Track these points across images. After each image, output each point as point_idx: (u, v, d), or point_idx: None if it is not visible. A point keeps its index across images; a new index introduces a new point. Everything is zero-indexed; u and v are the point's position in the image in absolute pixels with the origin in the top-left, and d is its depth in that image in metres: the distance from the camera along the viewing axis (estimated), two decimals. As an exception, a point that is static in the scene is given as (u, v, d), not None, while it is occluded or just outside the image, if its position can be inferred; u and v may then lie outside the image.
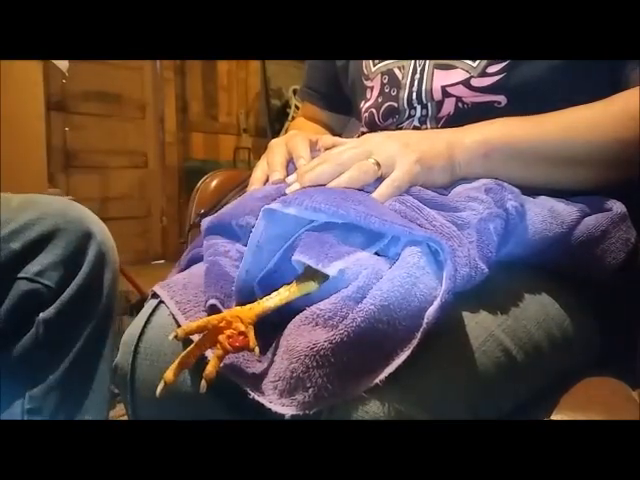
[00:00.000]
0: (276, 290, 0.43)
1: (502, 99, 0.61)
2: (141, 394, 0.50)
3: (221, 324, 0.40)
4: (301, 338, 0.40)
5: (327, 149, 0.56)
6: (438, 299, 0.39)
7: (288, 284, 0.43)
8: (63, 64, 1.70)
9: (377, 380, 0.38)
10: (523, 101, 0.60)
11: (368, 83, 0.72)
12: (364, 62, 0.73)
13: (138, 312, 0.53)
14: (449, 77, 0.63)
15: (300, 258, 0.43)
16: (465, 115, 0.61)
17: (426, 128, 0.65)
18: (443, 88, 0.63)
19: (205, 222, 0.55)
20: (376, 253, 0.44)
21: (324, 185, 0.48)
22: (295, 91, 3.23)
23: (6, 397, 0.76)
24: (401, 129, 0.68)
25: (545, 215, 0.52)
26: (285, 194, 0.50)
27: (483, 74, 0.61)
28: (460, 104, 0.63)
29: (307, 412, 0.38)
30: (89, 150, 2.64)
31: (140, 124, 2.90)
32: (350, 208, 0.42)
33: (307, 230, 0.45)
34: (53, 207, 0.78)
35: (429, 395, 0.40)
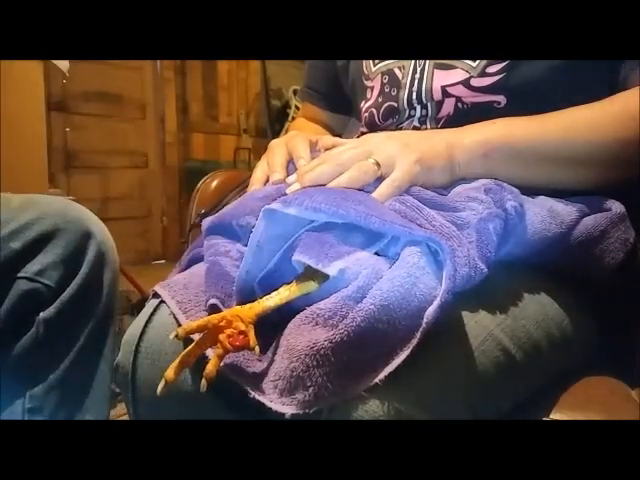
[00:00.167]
0: (276, 290, 0.44)
1: (502, 99, 0.61)
2: (142, 393, 0.51)
3: (221, 323, 0.41)
4: (301, 337, 0.40)
5: (327, 149, 0.56)
6: (438, 299, 0.39)
7: (288, 284, 0.44)
8: (63, 64, 1.71)
9: (377, 379, 0.38)
10: (523, 101, 0.60)
11: (368, 83, 0.72)
12: (364, 62, 0.73)
13: (139, 312, 0.53)
14: (449, 77, 0.63)
15: (300, 258, 0.43)
16: (465, 115, 0.61)
17: (426, 128, 0.66)
18: (443, 88, 0.63)
19: (206, 222, 0.56)
20: (376, 253, 0.44)
21: (324, 185, 0.49)
22: (295, 91, 3.23)
23: (7, 396, 0.76)
24: (401, 129, 0.68)
25: (544, 215, 0.52)
26: (285, 194, 0.50)
27: (483, 74, 0.61)
28: (460, 104, 0.63)
29: (307, 411, 0.38)
30: (90, 150, 2.64)
31: (140, 124, 2.91)
32: (350, 208, 0.42)
33: (307, 230, 0.45)
34: (53, 207, 0.78)
35: (428, 394, 0.40)
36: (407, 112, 0.67)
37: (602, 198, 0.58)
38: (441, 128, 0.63)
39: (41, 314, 0.75)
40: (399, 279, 0.40)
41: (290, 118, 3.24)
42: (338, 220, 0.44)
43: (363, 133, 0.74)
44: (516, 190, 0.52)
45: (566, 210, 0.53)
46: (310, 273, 0.43)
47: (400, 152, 0.51)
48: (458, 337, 0.44)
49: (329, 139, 0.61)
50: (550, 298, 0.53)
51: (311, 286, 0.43)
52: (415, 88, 0.65)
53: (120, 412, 1.24)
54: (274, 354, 0.42)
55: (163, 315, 0.51)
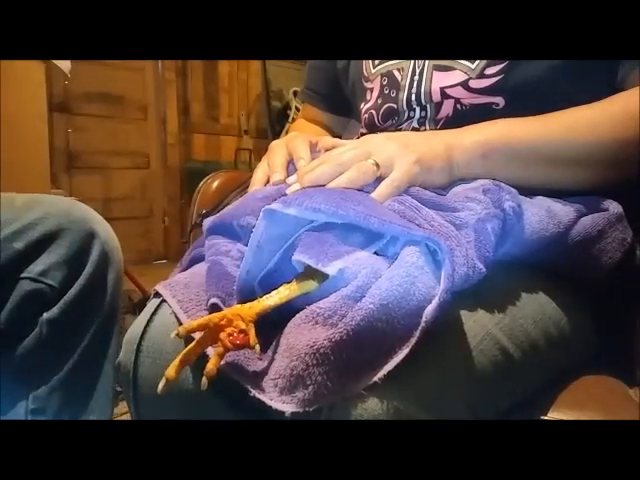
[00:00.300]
0: (276, 289, 0.44)
1: (500, 101, 0.61)
2: (143, 391, 0.51)
3: (222, 322, 0.41)
4: (301, 336, 0.40)
5: (327, 150, 0.56)
6: (436, 298, 0.40)
7: (288, 283, 0.44)
8: (65, 65, 1.71)
9: (376, 378, 0.38)
10: (521, 103, 0.60)
11: (368, 85, 0.72)
12: (364, 64, 0.73)
13: (140, 311, 0.53)
14: (448, 79, 0.63)
15: (300, 258, 0.43)
16: (463, 117, 0.61)
17: (425, 129, 0.66)
18: (442, 89, 0.63)
19: (207, 222, 0.56)
20: (375, 253, 0.45)
21: (324, 186, 0.49)
22: (296, 93, 3.23)
23: (10, 398, 0.75)
24: (400, 130, 0.68)
25: (542, 215, 0.52)
26: (285, 195, 0.50)
27: (481, 75, 0.61)
28: (459, 106, 0.63)
29: (307, 409, 0.38)
30: (91, 151, 2.65)
31: (142, 125, 2.91)
32: (350, 208, 0.43)
33: (307, 230, 0.45)
34: (57, 207, 0.77)
35: (427, 393, 0.41)
36: (406, 113, 0.67)
37: (600, 198, 0.58)
38: (440, 129, 0.63)
39: (44, 315, 0.75)
40: (398, 278, 0.40)
41: (290, 119, 3.24)
42: (338, 220, 0.44)
43: (363, 134, 0.74)
44: (514, 190, 0.52)
45: (564, 210, 0.54)
46: (310, 273, 0.44)
47: (399, 153, 0.51)
48: (457, 336, 0.44)
49: (329, 140, 0.61)
50: (548, 297, 0.53)
51: (311, 285, 0.43)
52: (414, 90, 0.65)
53: (122, 410, 1.24)
54: (274, 353, 0.43)
55: (164, 314, 0.51)
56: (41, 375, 0.77)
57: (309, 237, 0.44)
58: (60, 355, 0.77)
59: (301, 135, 0.65)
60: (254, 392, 0.41)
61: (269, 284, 0.46)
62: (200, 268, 0.53)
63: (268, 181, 0.60)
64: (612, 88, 0.59)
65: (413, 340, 0.39)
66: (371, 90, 0.72)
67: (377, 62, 0.71)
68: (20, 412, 0.75)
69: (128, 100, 2.81)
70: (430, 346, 0.40)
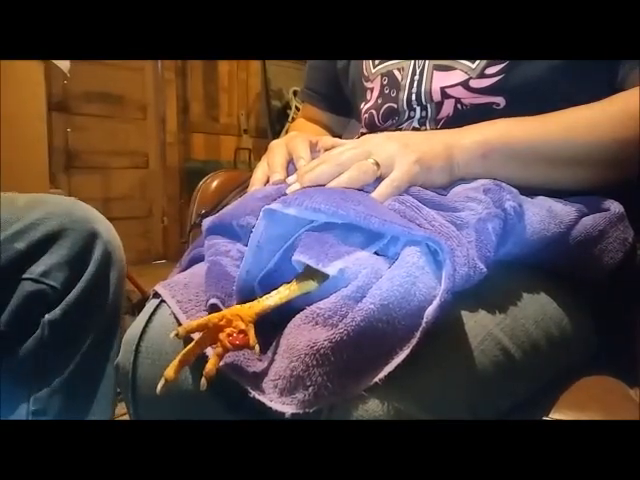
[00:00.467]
0: (276, 289, 0.44)
1: (501, 100, 0.61)
2: (142, 392, 0.51)
3: (221, 322, 0.41)
4: (301, 337, 0.40)
5: (327, 150, 0.56)
6: (437, 298, 0.40)
7: (288, 283, 0.44)
8: (64, 65, 1.71)
9: (377, 379, 0.38)
10: (522, 103, 0.60)
11: (368, 84, 0.72)
12: (364, 64, 0.73)
13: (139, 311, 0.53)
14: (448, 78, 0.63)
15: (300, 258, 0.43)
16: (464, 116, 0.61)
17: (425, 129, 0.66)
18: (442, 89, 0.63)
19: (206, 222, 0.56)
20: (376, 253, 0.44)
21: (324, 185, 0.49)
22: (295, 92, 3.23)
23: (11, 399, 0.75)
24: (401, 130, 0.68)
25: (543, 215, 0.52)
26: (285, 194, 0.50)
27: (482, 75, 0.61)
28: (459, 105, 0.63)
29: (307, 410, 0.38)
30: (90, 151, 2.65)
31: (141, 125, 2.91)
32: (350, 208, 0.43)
33: (307, 230, 0.45)
34: (59, 207, 0.77)
35: (428, 394, 0.41)
36: (407, 113, 0.67)
37: (601, 198, 0.58)
38: (441, 129, 0.63)
39: (46, 316, 0.75)
40: (399, 279, 0.40)
41: (290, 119, 3.24)
42: (338, 220, 0.44)
43: (363, 134, 0.74)
44: (515, 190, 0.52)
45: (565, 210, 0.54)
46: (310, 273, 0.43)
47: (399, 152, 0.51)
48: (457, 337, 0.44)
49: (329, 140, 0.61)
50: (549, 298, 0.53)
51: (311, 285, 0.43)
52: (414, 89, 0.65)
53: (121, 411, 1.24)
54: (274, 354, 0.43)
55: (163, 315, 0.51)
56: (42, 377, 0.76)
57: (309, 237, 0.44)
58: (62, 357, 0.77)
59: (301, 135, 0.65)
60: (254, 393, 0.41)
61: (269, 284, 0.46)
62: (199, 268, 0.53)
63: (268, 181, 0.60)
64: (612, 88, 0.59)
65: (414, 341, 0.39)
66: (371, 90, 0.72)
67: (377, 62, 0.70)
68: (21, 414, 0.75)
69: (127, 100, 2.81)
70: (431, 347, 0.40)
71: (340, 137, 0.81)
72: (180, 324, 0.48)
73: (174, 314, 0.49)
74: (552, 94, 0.60)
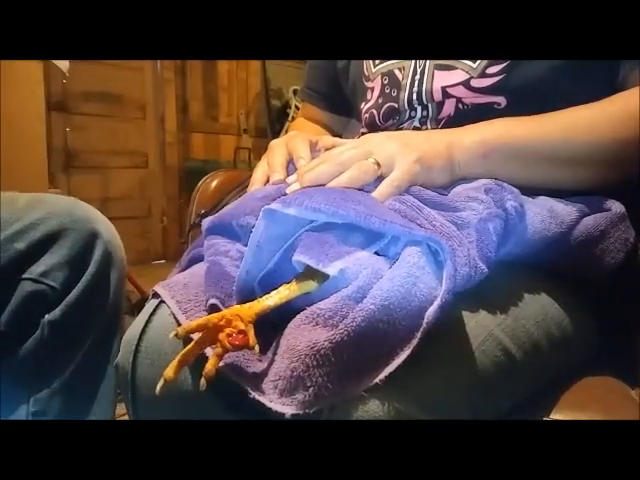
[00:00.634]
0: (276, 289, 0.44)
1: (502, 100, 0.61)
2: (142, 393, 0.50)
3: (221, 322, 0.41)
4: (301, 337, 0.40)
5: (327, 149, 0.56)
6: (438, 299, 0.39)
7: (288, 283, 0.44)
8: (64, 64, 1.71)
9: (377, 379, 0.38)
10: (523, 102, 0.60)
11: (369, 84, 0.72)
12: (365, 63, 0.73)
13: (139, 312, 0.53)
14: (449, 78, 0.63)
15: (300, 258, 0.43)
16: (465, 116, 0.61)
17: (426, 129, 0.66)
18: (443, 89, 0.63)
19: (206, 222, 0.56)
20: (376, 253, 0.44)
21: (324, 185, 0.49)
22: (295, 91, 3.23)
23: (11, 400, 0.74)
24: (401, 130, 0.68)
25: (544, 215, 0.52)
26: (285, 194, 0.50)
27: (483, 75, 0.61)
28: (460, 105, 0.63)
29: (307, 411, 0.38)
30: (90, 150, 2.64)
31: (141, 124, 2.91)
32: (350, 208, 0.42)
33: (307, 230, 0.45)
34: (59, 207, 0.76)
35: (429, 394, 0.41)
36: (408, 113, 0.67)
37: (602, 198, 0.58)
38: (442, 129, 0.63)
39: (46, 316, 0.74)
40: (399, 279, 0.40)
41: (290, 118, 3.23)
42: (338, 220, 0.44)
43: (363, 134, 0.74)
44: (516, 190, 0.52)
45: (566, 210, 0.53)
46: (310, 273, 0.43)
47: (400, 152, 0.51)
48: (458, 337, 0.44)
49: (329, 139, 0.61)
50: (550, 298, 0.53)
51: (311, 285, 0.43)
52: (415, 89, 0.65)
53: (120, 412, 1.24)
54: (274, 354, 0.42)
55: (163, 315, 0.51)
56: (42, 378, 0.76)
57: (309, 237, 0.44)
58: (62, 357, 0.77)
59: (301, 134, 0.64)
60: (254, 394, 0.41)
61: (269, 284, 0.46)
62: (199, 268, 0.53)
63: (268, 180, 0.60)
64: (612, 88, 0.59)
65: (414, 341, 0.39)
66: (372, 89, 0.72)
67: (378, 61, 0.70)
68: (21, 415, 0.75)
69: (127, 99, 2.81)
70: (432, 347, 0.40)
71: (340, 137, 0.81)
72: (179, 324, 0.48)
73: (173, 314, 0.49)
74: (553, 94, 0.60)
